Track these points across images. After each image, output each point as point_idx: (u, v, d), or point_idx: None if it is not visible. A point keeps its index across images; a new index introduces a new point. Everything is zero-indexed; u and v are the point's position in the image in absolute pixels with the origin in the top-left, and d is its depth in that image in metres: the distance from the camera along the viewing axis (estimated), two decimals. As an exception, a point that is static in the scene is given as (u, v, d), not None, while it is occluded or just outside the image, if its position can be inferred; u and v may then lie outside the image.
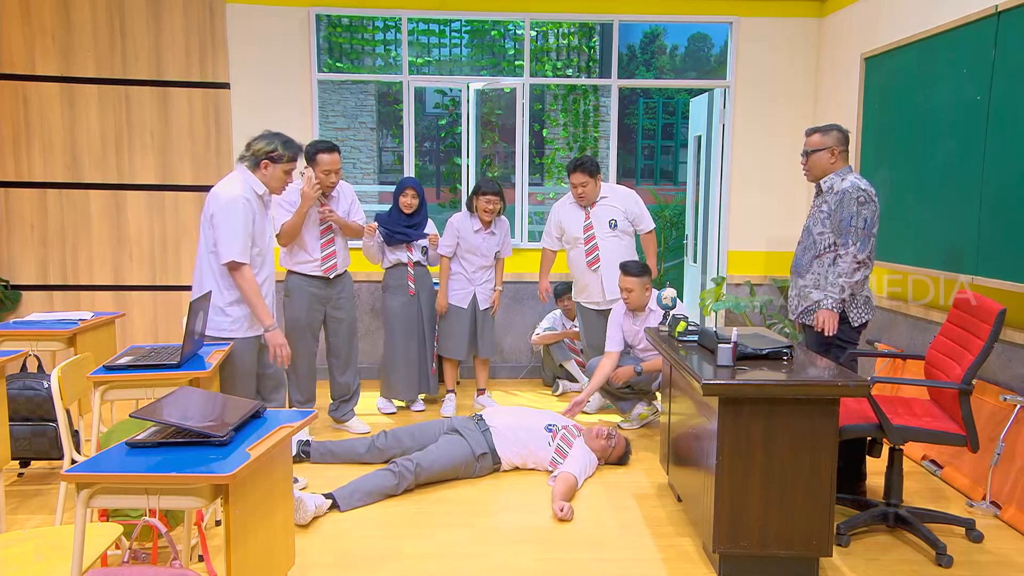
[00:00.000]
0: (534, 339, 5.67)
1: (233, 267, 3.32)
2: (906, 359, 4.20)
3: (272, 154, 3.39)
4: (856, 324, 3.54)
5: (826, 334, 3.49)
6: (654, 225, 5.04)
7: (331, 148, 4.19)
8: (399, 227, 4.77)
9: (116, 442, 2.38)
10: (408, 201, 4.75)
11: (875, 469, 3.95)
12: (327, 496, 3.41)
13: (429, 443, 3.89)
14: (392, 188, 5.13)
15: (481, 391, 5.20)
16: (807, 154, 3.65)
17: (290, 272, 4.33)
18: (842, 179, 3.57)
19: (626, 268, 4.50)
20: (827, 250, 3.55)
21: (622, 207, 4.86)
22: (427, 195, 4.99)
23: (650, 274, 4.55)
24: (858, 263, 3.44)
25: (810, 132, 3.67)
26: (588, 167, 4.75)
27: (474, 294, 4.99)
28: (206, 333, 3.32)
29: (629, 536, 3.25)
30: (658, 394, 4.75)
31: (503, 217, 5.03)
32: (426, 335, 4.99)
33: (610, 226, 4.82)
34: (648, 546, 3.16)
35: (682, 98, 13.82)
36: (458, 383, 5.37)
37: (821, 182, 3.64)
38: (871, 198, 3.45)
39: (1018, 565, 3.03)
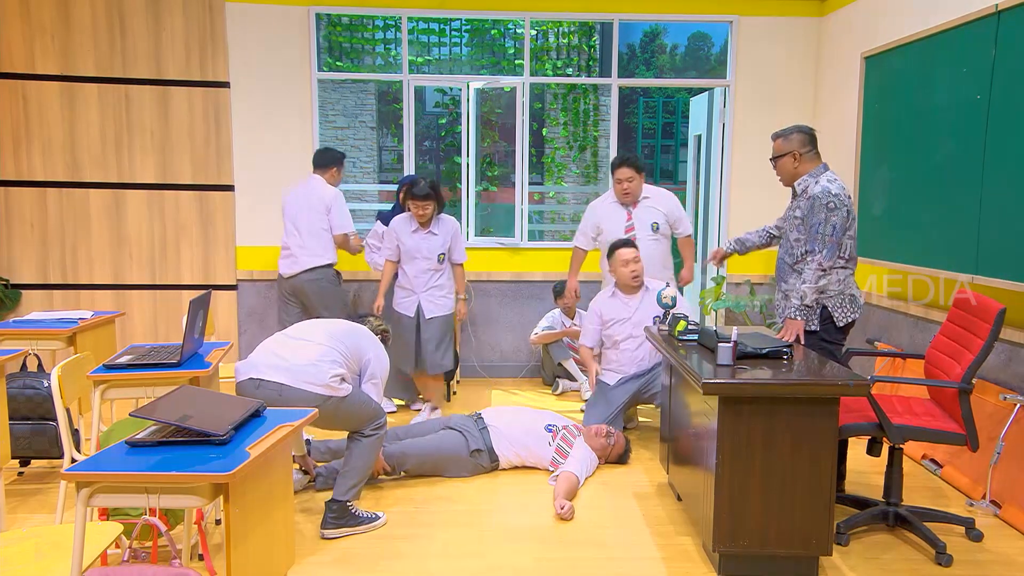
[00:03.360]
0: (533, 338, 5.67)
1: None
2: (906, 358, 4.20)
3: None
4: (841, 324, 3.47)
5: (788, 340, 3.38)
6: (692, 229, 4.93)
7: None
8: None
9: (116, 441, 2.39)
10: None
11: (875, 468, 3.95)
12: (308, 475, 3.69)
13: (426, 439, 3.92)
14: (391, 187, 5.14)
15: (434, 408, 4.81)
16: (773, 160, 3.59)
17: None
18: (816, 181, 3.47)
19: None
20: (803, 257, 3.48)
21: (664, 209, 4.72)
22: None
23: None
24: (823, 270, 3.37)
25: (774, 137, 3.60)
26: (634, 162, 4.64)
27: (418, 303, 4.60)
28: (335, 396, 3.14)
29: (629, 535, 3.25)
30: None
31: (449, 217, 4.67)
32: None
33: (652, 228, 4.68)
34: (648, 545, 3.16)
35: (682, 97, 13.80)
36: (455, 393, 5.30)
37: (796, 184, 3.56)
38: (841, 203, 3.37)
39: (1018, 564, 3.03)
